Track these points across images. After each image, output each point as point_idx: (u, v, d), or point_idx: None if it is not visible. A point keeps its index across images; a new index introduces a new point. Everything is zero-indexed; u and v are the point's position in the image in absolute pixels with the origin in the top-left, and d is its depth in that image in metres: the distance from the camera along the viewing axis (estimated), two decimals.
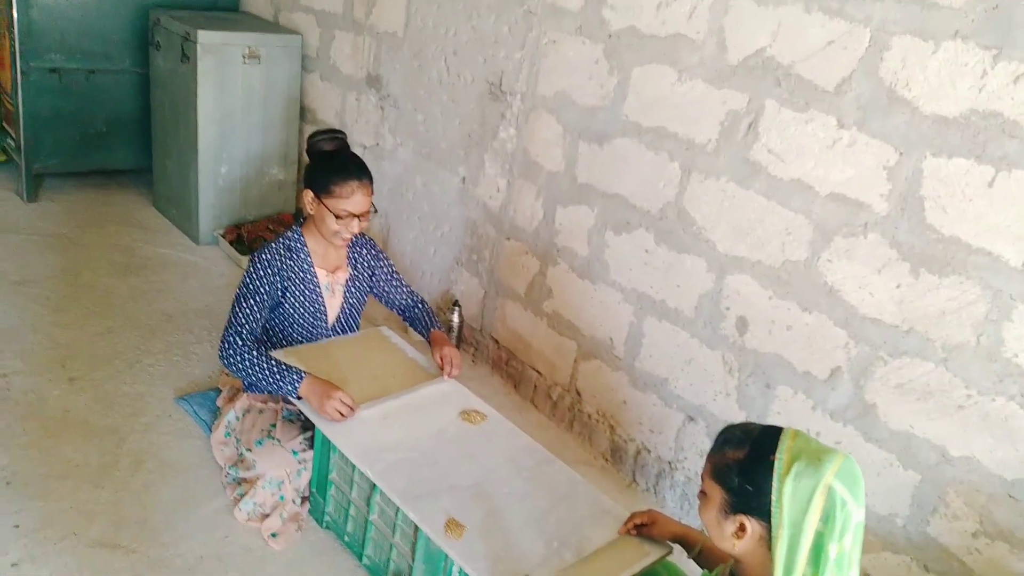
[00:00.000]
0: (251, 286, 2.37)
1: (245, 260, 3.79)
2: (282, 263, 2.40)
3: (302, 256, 2.44)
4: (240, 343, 2.30)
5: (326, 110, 4.05)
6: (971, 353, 1.98)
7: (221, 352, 2.32)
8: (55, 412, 2.63)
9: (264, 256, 2.40)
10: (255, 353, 2.27)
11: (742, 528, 1.38)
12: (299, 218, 4.26)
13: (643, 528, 1.94)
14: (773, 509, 1.32)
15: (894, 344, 2.11)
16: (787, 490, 1.30)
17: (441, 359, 2.47)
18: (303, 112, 4.16)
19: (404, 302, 2.72)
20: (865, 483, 2.17)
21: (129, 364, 2.94)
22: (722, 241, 2.45)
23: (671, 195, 2.56)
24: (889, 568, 2.20)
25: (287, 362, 2.31)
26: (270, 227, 3.99)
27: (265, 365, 2.25)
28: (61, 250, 3.66)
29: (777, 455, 1.34)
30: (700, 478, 1.47)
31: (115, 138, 4.26)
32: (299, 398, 2.24)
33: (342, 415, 2.18)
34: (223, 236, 3.93)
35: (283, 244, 2.43)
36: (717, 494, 1.40)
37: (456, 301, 3.38)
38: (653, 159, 2.59)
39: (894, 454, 2.15)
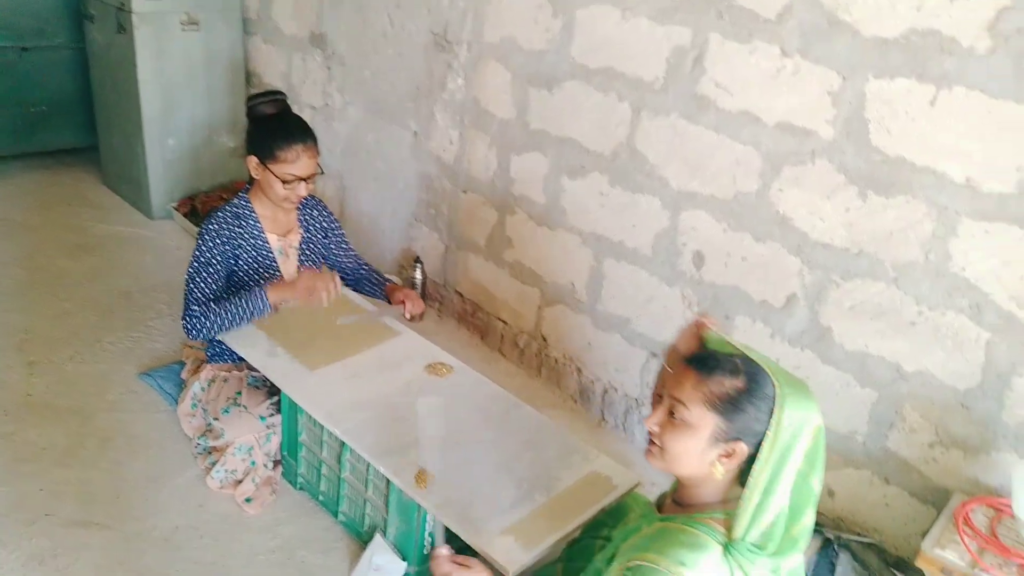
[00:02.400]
0: (202, 259, 2.34)
1: None
2: (231, 231, 2.37)
3: (251, 222, 2.41)
4: (197, 309, 2.30)
5: (271, 73, 3.96)
6: (920, 270, 2.02)
7: (187, 328, 2.30)
8: (17, 397, 2.59)
9: (212, 226, 2.37)
10: (212, 307, 2.30)
11: (728, 454, 1.38)
12: (245, 188, 4.21)
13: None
14: (769, 435, 1.33)
15: (846, 267, 2.15)
16: (784, 420, 1.33)
17: (402, 303, 2.51)
18: (248, 77, 4.06)
19: (351, 266, 2.71)
20: (824, 404, 2.23)
21: (89, 344, 2.90)
22: (675, 178, 2.46)
23: (623, 136, 2.56)
24: (851, 483, 2.27)
25: (253, 323, 2.33)
26: (224, 196, 3.92)
27: (229, 308, 2.28)
28: (11, 234, 3.58)
29: (777, 386, 1.35)
30: (672, 407, 1.41)
31: (57, 117, 4.15)
32: (275, 309, 2.31)
33: (323, 288, 2.25)
34: (177, 209, 3.86)
35: (230, 212, 2.40)
36: (710, 422, 1.37)
37: (417, 257, 3.36)
38: (603, 101, 2.58)
39: (851, 374, 2.20)
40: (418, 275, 3.31)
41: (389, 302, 2.59)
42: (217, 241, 2.36)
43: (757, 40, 2.18)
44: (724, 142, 2.31)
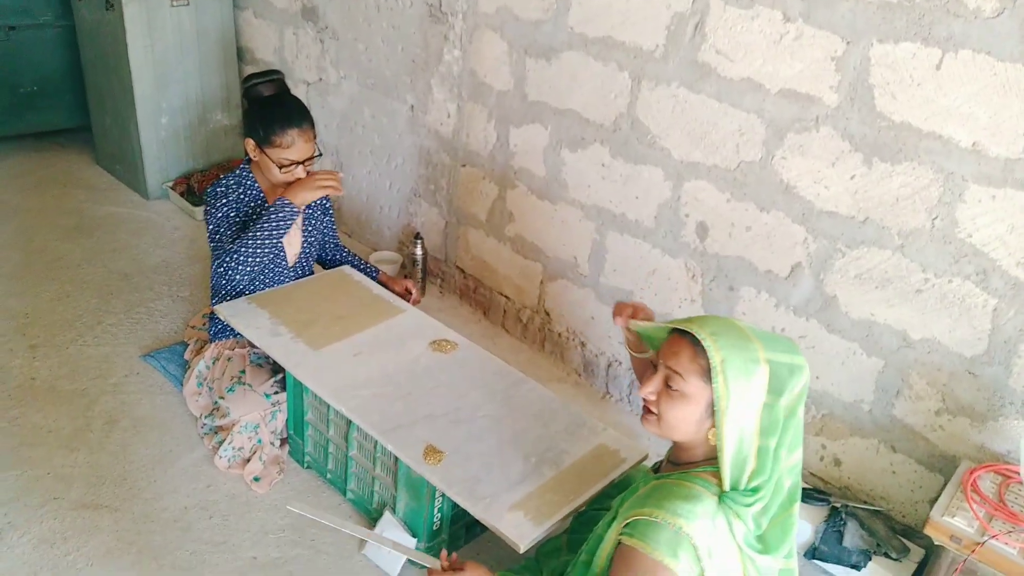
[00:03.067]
0: (218, 214, 2.34)
1: (199, 212, 3.70)
2: (236, 196, 2.38)
3: (254, 192, 2.40)
4: (231, 247, 2.29)
5: (264, 48, 3.91)
6: (926, 237, 2.01)
7: (225, 267, 2.27)
8: (21, 381, 2.59)
9: (217, 189, 2.37)
10: (239, 239, 2.28)
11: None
12: (245, 160, 4.17)
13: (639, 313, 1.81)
14: (716, 391, 1.36)
15: (851, 235, 2.13)
16: (729, 372, 1.37)
17: (405, 289, 2.56)
18: (240, 52, 4.01)
19: (333, 251, 2.72)
20: (830, 373, 2.25)
21: (90, 326, 2.89)
22: (677, 148, 2.43)
23: (623, 106, 2.52)
24: (858, 451, 2.28)
25: (255, 303, 2.34)
26: (220, 175, 3.89)
27: (256, 233, 2.26)
28: (6, 217, 3.55)
29: (704, 340, 1.38)
30: (669, 378, 1.43)
31: (47, 97, 4.09)
32: (298, 211, 2.31)
33: (325, 181, 2.29)
34: (173, 188, 3.82)
35: (233, 180, 2.39)
36: (707, 394, 1.39)
37: (418, 234, 3.34)
38: (602, 70, 2.54)
39: (857, 342, 2.19)
40: (418, 251, 3.29)
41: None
42: (225, 202, 2.36)
43: (759, 5, 2.14)
44: (726, 110, 2.29)
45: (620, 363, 2.81)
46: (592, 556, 1.56)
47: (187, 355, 2.66)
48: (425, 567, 1.70)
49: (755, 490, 1.40)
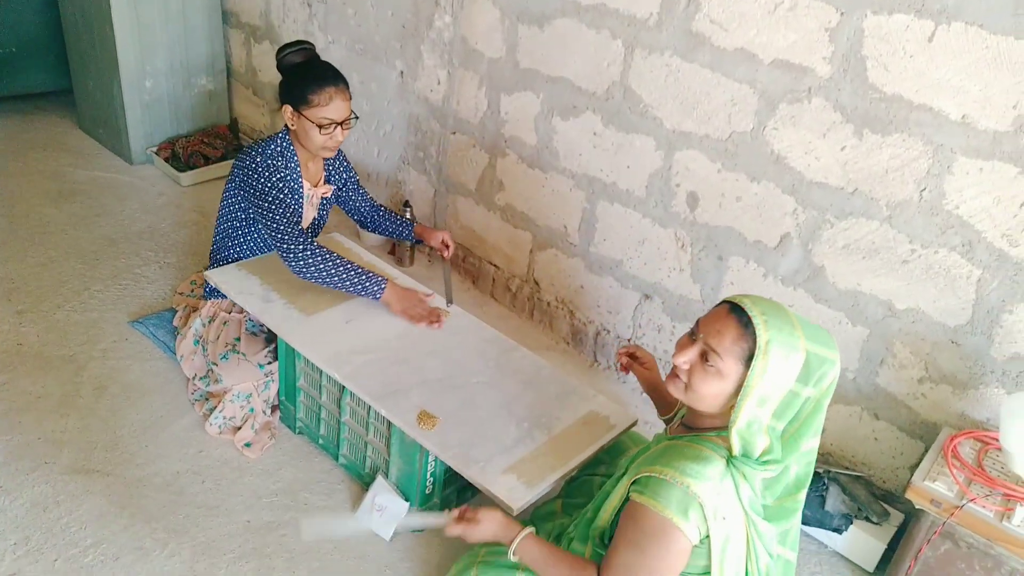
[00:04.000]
0: (272, 189, 2.28)
1: (184, 177, 3.67)
2: (277, 168, 2.33)
3: (293, 164, 2.37)
4: (314, 246, 2.23)
5: (250, 12, 3.85)
6: (914, 208, 2.03)
7: (294, 264, 2.22)
8: (7, 347, 2.57)
9: (268, 161, 2.32)
10: (334, 256, 2.24)
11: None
12: (235, 129, 4.13)
13: (636, 361, 1.96)
14: (754, 364, 1.38)
15: (840, 206, 2.16)
16: (772, 351, 1.39)
17: (442, 243, 2.57)
18: (226, 16, 3.94)
19: (367, 209, 2.70)
20: None
21: (77, 292, 2.87)
22: (669, 118, 2.44)
23: (616, 74, 2.52)
24: (842, 419, 2.33)
25: (246, 269, 2.33)
26: (205, 140, 3.85)
27: (349, 269, 2.24)
28: None
29: (755, 320, 1.40)
30: (707, 353, 1.43)
31: (28, 59, 4.01)
32: (378, 298, 2.28)
33: (427, 318, 2.28)
34: (157, 154, 3.78)
35: (275, 149, 2.34)
36: (740, 374, 1.40)
37: (407, 201, 3.33)
38: (595, 38, 2.53)
39: (843, 312, 2.23)
40: (410, 220, 3.28)
41: (418, 242, 2.66)
42: (277, 174, 2.31)
43: None
44: (719, 80, 2.29)
45: (608, 332, 2.84)
46: (597, 512, 1.59)
47: (176, 321, 2.65)
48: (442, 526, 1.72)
49: (766, 462, 1.43)
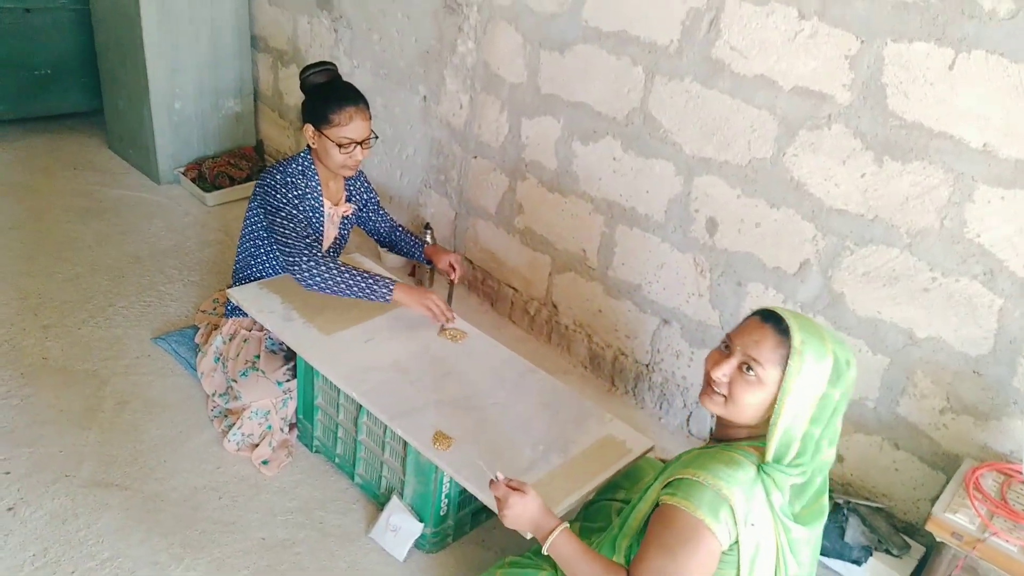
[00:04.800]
0: (284, 204, 2.31)
1: (209, 197, 3.73)
2: (296, 186, 2.36)
3: (314, 183, 2.41)
4: (319, 257, 2.24)
5: (278, 37, 3.92)
6: (935, 236, 2.02)
7: (299, 276, 2.23)
8: (32, 360, 2.61)
9: (286, 179, 2.35)
10: (339, 266, 2.25)
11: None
12: (260, 151, 4.19)
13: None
14: (790, 367, 1.41)
15: (860, 233, 2.15)
16: (807, 353, 1.43)
17: (449, 265, 2.55)
18: (254, 41, 4.02)
19: (386, 229, 2.72)
20: None
21: (102, 308, 2.92)
22: (689, 143, 2.45)
23: (636, 100, 2.54)
24: (861, 448, 2.30)
25: (267, 288, 2.32)
26: (231, 162, 3.91)
27: (355, 275, 2.24)
28: (19, 199, 3.57)
29: (791, 324, 1.44)
30: (748, 363, 1.45)
31: (61, 80, 4.11)
32: (389, 300, 2.28)
33: (437, 311, 2.29)
34: (184, 174, 3.85)
35: (296, 168, 2.38)
36: (780, 381, 1.42)
37: (427, 224, 3.36)
38: (616, 64, 2.56)
39: (863, 340, 2.21)
40: (428, 242, 3.30)
41: (429, 263, 2.64)
42: (293, 192, 2.34)
43: (775, 2, 2.16)
44: (739, 107, 2.30)
45: (626, 356, 2.84)
46: (624, 524, 1.59)
47: (197, 338, 2.69)
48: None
49: (795, 466, 1.45)
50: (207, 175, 3.83)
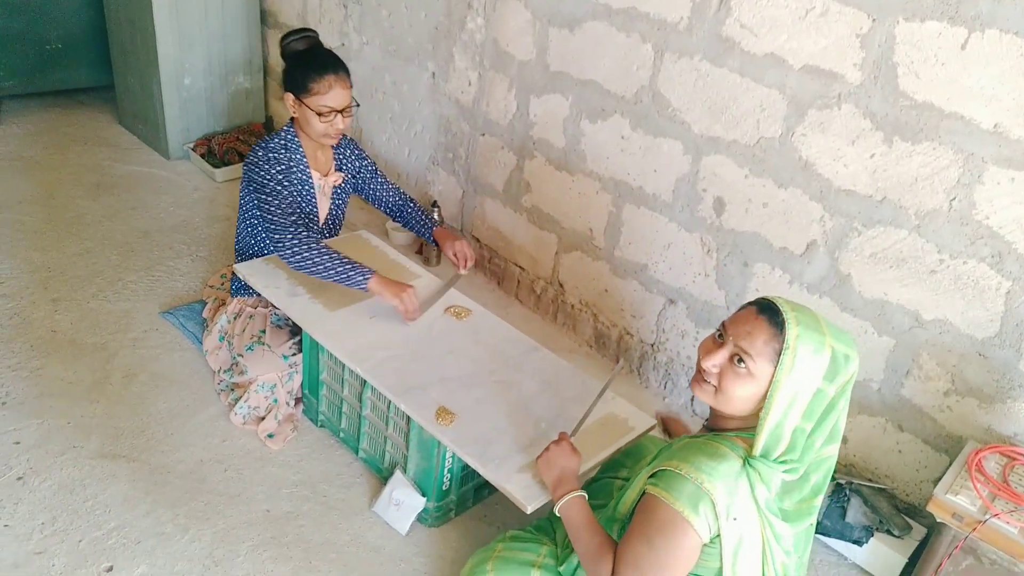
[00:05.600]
0: (270, 182, 2.31)
1: (219, 173, 3.74)
2: (281, 162, 2.36)
3: (298, 156, 2.40)
4: (304, 235, 2.25)
5: (287, 12, 3.91)
6: (943, 218, 2.01)
7: (283, 254, 2.25)
8: (42, 333, 2.64)
9: (269, 154, 2.35)
10: (322, 247, 2.24)
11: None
12: (269, 127, 4.19)
13: (668, 422, 2.02)
14: (782, 362, 1.38)
15: (868, 214, 2.13)
16: (800, 349, 1.39)
17: (455, 255, 2.47)
18: (264, 16, 4.01)
19: (393, 200, 2.68)
20: None
21: (110, 282, 2.94)
22: (697, 122, 2.43)
23: (645, 78, 2.52)
24: (865, 430, 2.30)
25: (274, 263, 2.33)
26: (240, 138, 3.92)
27: (335, 259, 2.23)
28: (29, 173, 3.59)
29: (787, 318, 1.40)
30: (739, 355, 1.42)
31: (72, 55, 4.11)
32: (366, 290, 2.24)
33: (409, 307, 2.21)
34: (193, 150, 3.85)
35: (279, 143, 2.38)
36: (770, 374, 1.40)
37: (435, 201, 3.36)
38: (625, 41, 2.54)
39: (869, 321, 2.20)
40: (435, 219, 3.30)
41: (437, 245, 2.57)
42: (276, 167, 2.34)
43: None
44: (748, 85, 2.28)
45: (632, 336, 2.84)
46: (617, 506, 1.60)
47: (205, 313, 2.70)
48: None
49: (784, 462, 1.42)
50: (216, 151, 3.84)
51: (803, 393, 1.38)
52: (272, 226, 2.27)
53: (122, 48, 3.91)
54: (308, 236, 2.25)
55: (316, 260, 2.22)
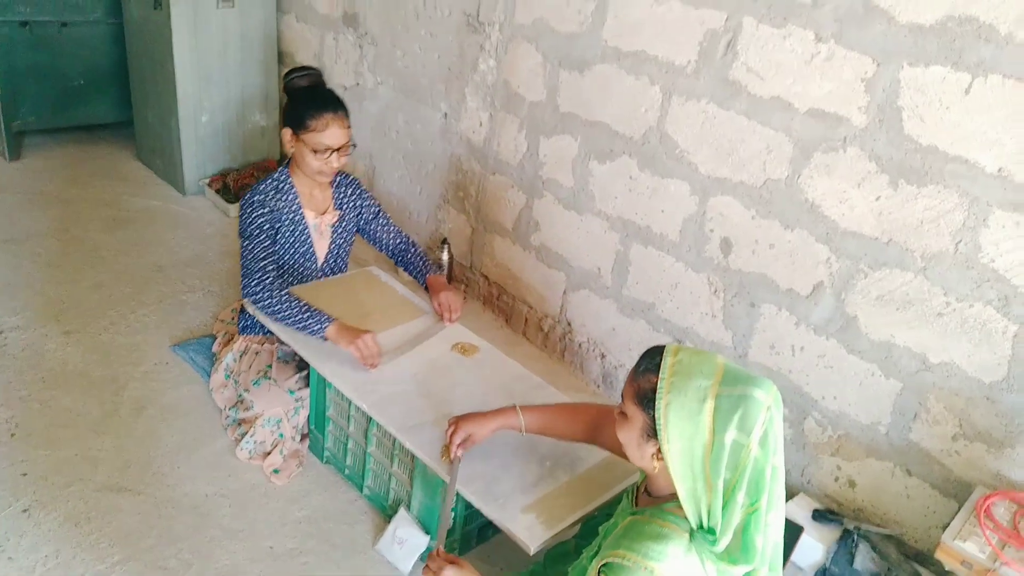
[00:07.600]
0: (251, 229, 2.37)
1: (232, 208, 3.79)
2: (272, 203, 2.41)
3: (290, 197, 2.44)
4: (268, 281, 2.29)
5: (304, 52, 3.99)
6: (949, 261, 2.01)
7: (248, 292, 2.30)
8: (53, 365, 2.66)
9: (255, 198, 2.40)
10: (283, 294, 2.28)
11: (659, 452, 1.39)
12: (284, 164, 4.26)
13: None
14: (659, 432, 1.34)
15: (874, 256, 2.14)
16: (671, 415, 1.33)
17: (439, 305, 2.47)
18: (281, 56, 4.10)
19: (394, 243, 2.70)
20: (848, 394, 2.24)
21: (123, 315, 2.97)
22: (704, 163, 2.46)
23: (653, 120, 2.55)
24: (873, 473, 2.27)
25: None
26: (255, 174, 3.97)
27: (295, 307, 2.26)
28: (48, 207, 3.65)
29: (660, 378, 1.35)
30: (620, 398, 1.45)
31: (94, 91, 4.20)
32: (324, 339, 2.25)
33: (367, 353, 2.18)
34: (209, 185, 3.91)
35: (271, 185, 2.43)
36: (639, 418, 1.39)
37: (445, 239, 3.39)
38: (634, 84, 2.58)
39: (875, 364, 2.19)
40: (445, 257, 3.34)
41: (427, 291, 2.58)
42: (261, 211, 2.39)
43: (792, 24, 2.17)
44: (755, 128, 2.31)
45: None
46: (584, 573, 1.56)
47: (215, 348, 2.73)
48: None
49: (713, 531, 1.36)
50: (231, 187, 3.89)
51: (695, 444, 1.32)
52: (243, 270, 2.33)
53: (142, 85, 4.00)
54: (272, 282, 2.29)
55: (276, 307, 2.27)
